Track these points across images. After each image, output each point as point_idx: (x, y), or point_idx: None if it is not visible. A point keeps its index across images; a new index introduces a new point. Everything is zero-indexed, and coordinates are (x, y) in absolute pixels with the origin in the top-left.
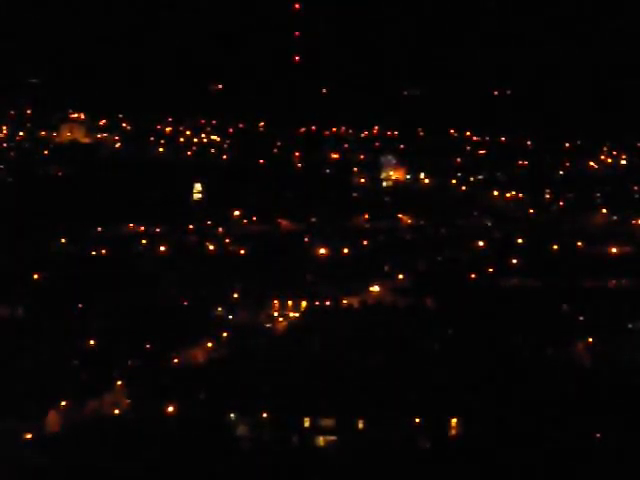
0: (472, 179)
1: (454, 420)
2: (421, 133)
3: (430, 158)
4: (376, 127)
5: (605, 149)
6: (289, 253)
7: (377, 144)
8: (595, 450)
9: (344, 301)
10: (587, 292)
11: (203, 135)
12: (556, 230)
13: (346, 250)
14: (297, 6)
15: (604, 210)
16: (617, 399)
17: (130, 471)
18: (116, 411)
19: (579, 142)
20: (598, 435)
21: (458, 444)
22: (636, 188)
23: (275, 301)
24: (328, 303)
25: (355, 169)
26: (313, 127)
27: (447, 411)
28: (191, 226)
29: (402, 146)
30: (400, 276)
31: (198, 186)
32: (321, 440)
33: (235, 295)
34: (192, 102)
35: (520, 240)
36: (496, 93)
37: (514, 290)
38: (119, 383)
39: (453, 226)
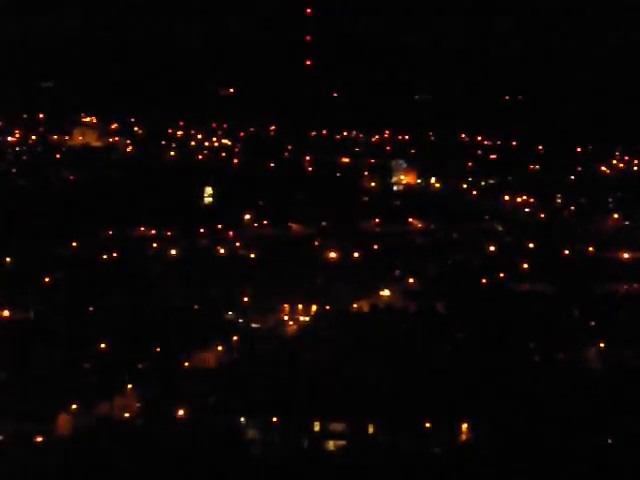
0: (483, 183)
1: (464, 425)
2: (432, 137)
3: (441, 162)
4: (387, 131)
5: (617, 154)
6: (300, 257)
7: (388, 148)
8: (607, 454)
9: (354, 305)
10: (598, 297)
11: (214, 139)
12: (567, 235)
13: (356, 254)
14: (309, 11)
15: (616, 215)
16: (628, 403)
17: (140, 474)
18: (126, 414)
19: (591, 147)
20: (609, 439)
21: (468, 448)
22: None
23: (285, 305)
24: (338, 307)
25: (366, 173)
26: (324, 131)
27: (457, 415)
28: (202, 230)
29: (413, 150)
30: (410, 280)
31: (209, 190)
32: (331, 444)
33: (246, 299)
34: (203, 106)
35: (531, 245)
36: (507, 98)
37: (525, 295)
38: (129, 386)
39: (464, 230)
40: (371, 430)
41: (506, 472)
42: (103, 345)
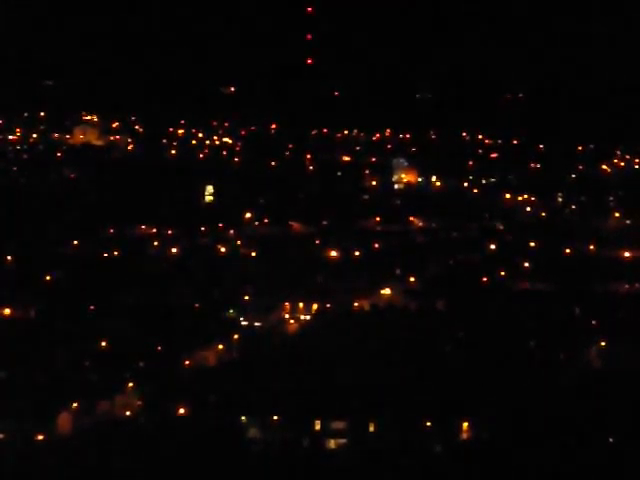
0: (484, 182)
1: (465, 423)
2: (433, 136)
3: (442, 161)
4: (388, 130)
5: (618, 153)
6: (300, 255)
7: (389, 147)
8: (607, 454)
9: (355, 303)
10: (599, 296)
11: (215, 137)
12: (568, 234)
13: (357, 253)
14: (310, 9)
15: (617, 214)
16: (629, 403)
17: (141, 473)
18: (127, 413)
19: (592, 145)
20: (610, 439)
21: (469, 447)
22: None
23: (286, 303)
24: (339, 305)
25: (367, 172)
26: (325, 129)
27: (458, 414)
28: (203, 228)
29: (414, 149)
30: (411, 279)
31: (210, 188)
32: (332, 443)
33: (246, 297)
34: (204, 104)
35: (532, 244)
36: (509, 96)
37: (526, 293)
38: (130, 385)
39: (465, 229)
40: (372, 428)
41: (506, 472)
42: (104, 344)
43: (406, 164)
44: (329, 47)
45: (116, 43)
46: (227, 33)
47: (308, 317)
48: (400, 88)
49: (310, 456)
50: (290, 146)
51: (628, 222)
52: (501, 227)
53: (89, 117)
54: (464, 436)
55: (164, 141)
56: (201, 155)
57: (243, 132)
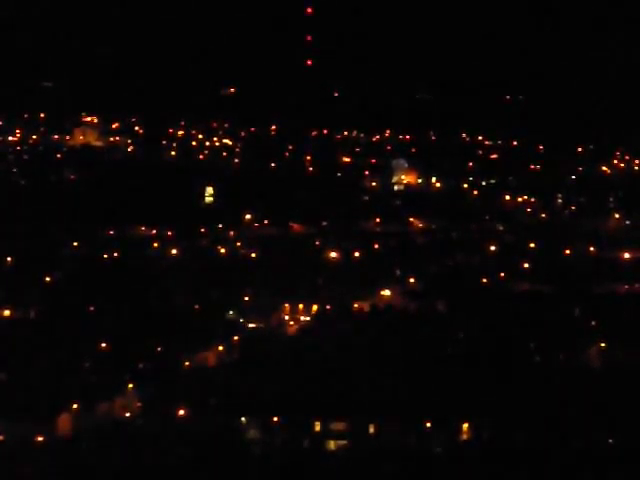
0: (484, 183)
1: (465, 425)
2: (433, 137)
3: (442, 162)
4: (388, 131)
5: (617, 153)
6: (300, 256)
7: (389, 148)
8: (606, 454)
9: (355, 304)
10: (599, 297)
11: (215, 138)
12: (568, 235)
13: (357, 254)
14: (309, 10)
15: (617, 215)
16: (628, 403)
17: (141, 474)
18: (127, 414)
19: (591, 146)
20: (609, 439)
21: (469, 448)
22: None
23: (286, 305)
24: (339, 307)
25: (367, 173)
26: (325, 130)
27: (458, 415)
28: (202, 229)
29: (414, 150)
30: (411, 280)
31: (210, 189)
32: (332, 444)
33: (246, 299)
34: (204, 106)
35: (532, 245)
36: (508, 97)
37: (526, 294)
38: (130, 386)
39: (464, 230)
40: (372, 430)
41: (506, 472)
42: (104, 345)
43: (406, 165)
44: (329, 48)
45: (116, 44)
46: (227, 34)
47: (308, 318)
48: (400, 88)
49: (310, 457)
50: (290, 147)
51: (628, 223)
52: (501, 228)
53: (89, 118)
54: (464, 437)
55: (164, 142)
56: (201, 156)
57: (243, 133)
